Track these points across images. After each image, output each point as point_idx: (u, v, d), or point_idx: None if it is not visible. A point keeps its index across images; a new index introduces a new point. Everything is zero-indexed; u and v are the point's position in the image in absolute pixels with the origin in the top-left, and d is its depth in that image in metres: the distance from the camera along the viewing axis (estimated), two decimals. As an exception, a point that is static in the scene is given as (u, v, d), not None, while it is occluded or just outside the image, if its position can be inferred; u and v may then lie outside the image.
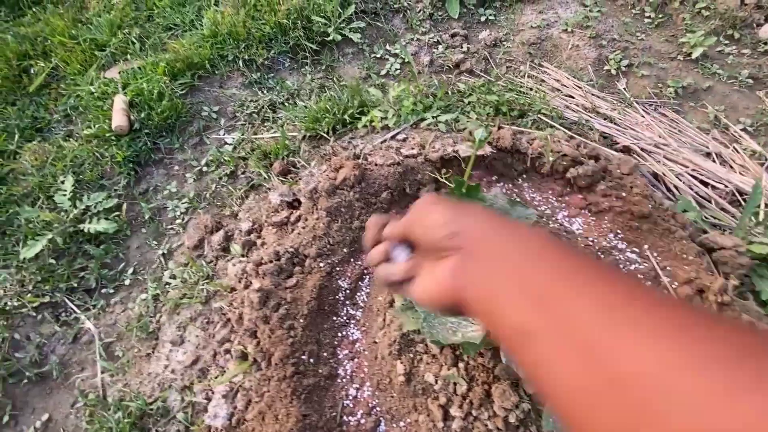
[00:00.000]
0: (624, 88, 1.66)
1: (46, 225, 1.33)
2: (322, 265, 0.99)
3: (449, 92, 1.58)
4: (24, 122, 1.61)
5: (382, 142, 1.20)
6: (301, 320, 0.91)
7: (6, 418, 1.12)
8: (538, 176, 1.13)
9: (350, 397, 0.88)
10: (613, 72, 1.72)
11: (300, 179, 1.18)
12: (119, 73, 1.70)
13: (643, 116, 1.52)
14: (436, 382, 0.80)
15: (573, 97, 1.61)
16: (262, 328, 0.89)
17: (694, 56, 1.72)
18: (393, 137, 1.25)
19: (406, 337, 0.86)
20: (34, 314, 1.23)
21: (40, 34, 1.82)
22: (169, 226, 1.42)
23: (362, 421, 0.84)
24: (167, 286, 1.27)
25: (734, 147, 1.45)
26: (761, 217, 1.15)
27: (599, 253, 0.95)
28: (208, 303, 1.19)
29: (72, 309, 1.26)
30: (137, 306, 1.26)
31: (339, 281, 1.01)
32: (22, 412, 1.14)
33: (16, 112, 1.64)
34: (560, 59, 1.79)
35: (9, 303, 1.22)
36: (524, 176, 1.14)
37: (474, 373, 0.79)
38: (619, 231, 1.00)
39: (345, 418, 0.85)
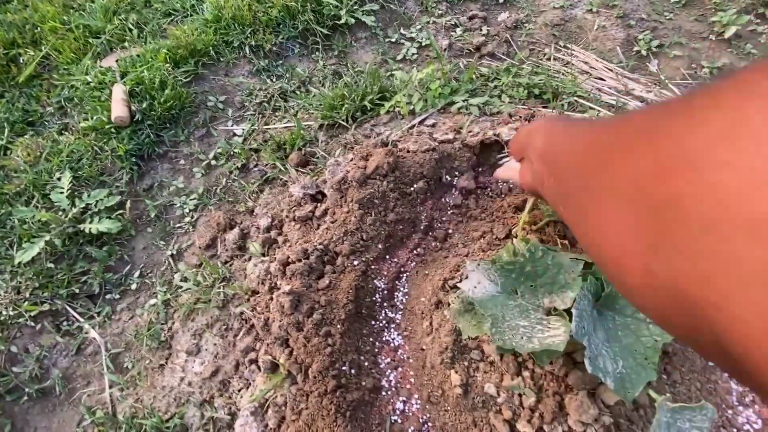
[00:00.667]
0: (657, 70, 1.57)
1: (43, 226, 1.22)
2: (356, 263, 0.89)
3: (474, 76, 1.48)
4: (14, 116, 1.49)
5: (410, 128, 1.10)
6: (339, 326, 0.81)
7: (5, 440, 1.01)
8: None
9: (398, 412, 0.78)
10: (644, 53, 1.62)
11: (323, 170, 1.07)
12: (116, 61, 1.58)
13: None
14: (498, 393, 0.70)
15: (604, 80, 1.51)
16: (295, 335, 0.78)
17: (726, 36, 1.63)
18: (421, 122, 1.15)
19: (458, 343, 0.76)
20: (33, 324, 1.12)
21: (28, 20, 1.68)
22: (178, 225, 1.31)
23: (413, 438, 0.75)
24: (178, 290, 1.17)
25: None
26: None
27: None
28: (226, 307, 1.08)
29: (74, 317, 1.15)
30: (146, 312, 1.15)
31: (375, 281, 0.91)
32: (23, 433, 1.03)
33: (5, 105, 1.51)
34: (586, 40, 1.69)
35: (4, 312, 1.11)
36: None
37: (542, 382, 0.69)
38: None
39: None
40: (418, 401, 0.78)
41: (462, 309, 0.69)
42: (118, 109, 1.38)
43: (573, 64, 1.59)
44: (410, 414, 0.77)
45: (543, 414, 0.68)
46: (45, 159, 1.36)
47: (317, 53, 1.68)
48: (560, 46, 1.68)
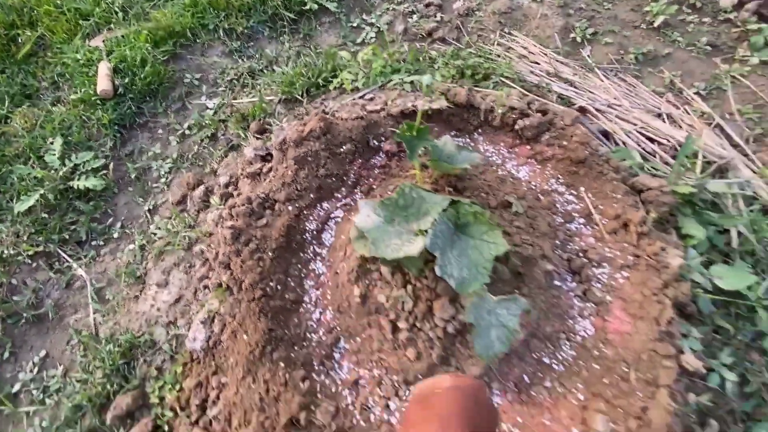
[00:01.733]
0: (588, 55, 1.74)
1: (38, 182, 1.42)
2: (290, 208, 1.09)
3: (421, 58, 1.66)
4: (14, 89, 1.68)
5: (352, 101, 1.28)
6: (270, 253, 1.01)
7: (6, 355, 1.23)
8: (491, 130, 1.23)
9: (314, 319, 0.99)
10: (579, 40, 1.79)
11: (272, 134, 1.26)
12: (103, 41, 1.76)
13: (602, 80, 1.61)
14: (387, 301, 0.91)
15: (539, 63, 1.69)
16: (234, 260, 0.99)
17: (656, 24, 1.80)
18: (361, 97, 1.34)
19: (363, 267, 0.96)
20: (30, 262, 1.33)
21: (26, 4, 1.86)
22: (154, 185, 1.52)
23: (323, 337, 0.95)
24: (153, 236, 1.37)
25: (685, 108, 1.54)
26: (698, 166, 1.25)
27: (540, 196, 1.06)
28: (190, 249, 1.29)
29: (65, 258, 1.36)
30: (125, 255, 1.36)
31: (306, 223, 1.11)
32: (21, 350, 1.25)
33: (6, 80, 1.70)
34: (529, 28, 1.86)
35: (6, 251, 1.32)
36: (479, 130, 1.23)
37: (420, 293, 0.89)
38: (560, 176, 1.10)
39: (308, 335, 0.96)
40: (331, 312, 0.99)
41: (358, 236, 0.89)
42: (103, 83, 1.57)
43: (513, 49, 1.76)
44: (324, 321, 0.98)
45: (417, 315, 0.88)
46: (40, 126, 1.56)
47: (285, 36, 1.86)
48: (505, 32, 1.84)
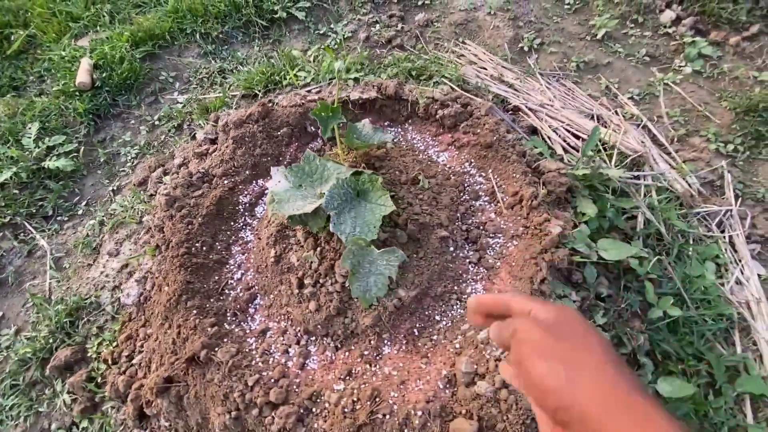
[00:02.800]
0: (533, 63, 1.87)
1: (13, 161, 1.55)
2: (226, 182, 1.20)
3: (375, 61, 1.80)
4: (2, 81, 1.84)
5: (294, 93, 1.41)
6: (200, 219, 1.12)
7: (-34, 315, 1.33)
8: (420, 120, 1.34)
9: (235, 279, 1.08)
10: (526, 49, 1.93)
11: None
12: (89, 42, 1.93)
13: (540, 85, 1.73)
14: (298, 261, 1.00)
15: (486, 69, 1.82)
16: (167, 224, 1.09)
17: (599, 36, 1.93)
18: (309, 91, 1.47)
19: (281, 233, 1.06)
20: (-4, 231, 1.45)
21: (22, 7, 2.05)
22: (121, 169, 1.64)
23: (240, 294, 1.05)
24: (113, 213, 1.49)
25: (616, 111, 1.65)
26: (613, 158, 1.35)
27: (452, 176, 1.16)
28: (141, 222, 1.40)
29: (30, 230, 1.47)
30: (86, 229, 1.47)
31: (240, 196, 1.22)
32: (-20, 311, 1.35)
33: (-3, 73, 1.87)
34: (482, 38, 2.00)
35: (-25, 220, 1.44)
36: (409, 121, 1.35)
37: (326, 254, 0.98)
38: (472, 160, 1.20)
39: (227, 291, 1.05)
40: (252, 273, 1.08)
41: (272, 199, 1.00)
42: (82, 76, 1.72)
43: (465, 56, 1.90)
44: (244, 280, 1.07)
45: (320, 272, 0.96)
46: (21, 113, 1.71)
47: (256, 41, 2.02)
48: (459, 41, 1.99)
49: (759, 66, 1.81)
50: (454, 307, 0.96)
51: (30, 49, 1.97)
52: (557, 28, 2.02)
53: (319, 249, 1.00)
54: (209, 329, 0.94)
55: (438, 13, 2.13)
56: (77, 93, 1.74)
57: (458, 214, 1.08)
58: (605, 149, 1.40)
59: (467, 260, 1.02)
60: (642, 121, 1.62)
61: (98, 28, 2.00)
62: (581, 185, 1.15)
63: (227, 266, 1.10)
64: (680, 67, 1.84)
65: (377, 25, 2.08)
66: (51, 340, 1.21)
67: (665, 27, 1.97)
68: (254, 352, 0.94)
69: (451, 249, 1.02)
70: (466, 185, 1.15)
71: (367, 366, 0.90)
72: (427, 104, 1.26)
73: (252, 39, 2.03)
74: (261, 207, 1.22)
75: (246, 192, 1.22)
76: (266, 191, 1.24)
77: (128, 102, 1.80)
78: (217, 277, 1.07)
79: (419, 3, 2.19)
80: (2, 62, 1.91)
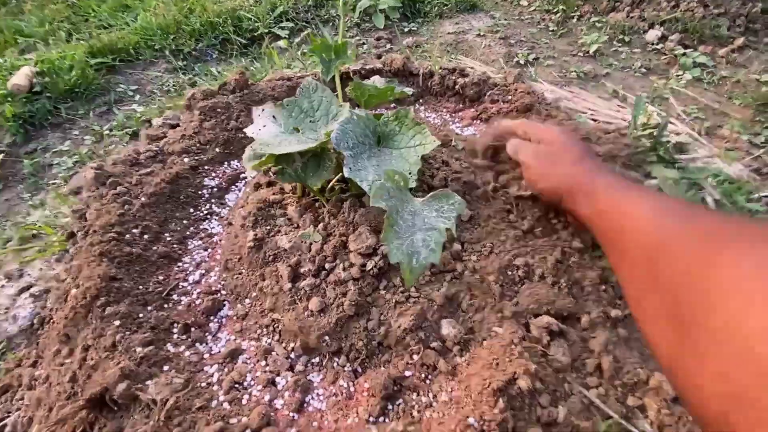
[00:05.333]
0: (533, 73, 1.78)
1: None
2: (186, 160, 0.88)
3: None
4: None
5: (280, 74, 1.18)
6: (143, 199, 0.77)
7: None
8: (432, 98, 1.13)
9: (190, 281, 0.71)
10: (522, 62, 1.85)
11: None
12: (36, 55, 1.68)
13: (547, 86, 1.61)
14: (290, 244, 0.66)
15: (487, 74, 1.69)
16: (92, 205, 0.74)
17: (591, 51, 1.90)
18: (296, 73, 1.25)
19: (264, 210, 0.73)
20: None
21: (-37, 23, 1.82)
22: (51, 181, 1.29)
23: (198, 301, 0.67)
24: (25, 227, 1.10)
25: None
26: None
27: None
28: (65, 235, 1.02)
29: None
30: (-18, 251, 1.06)
31: (206, 179, 0.89)
32: None
33: None
34: (475, 55, 1.93)
35: None
36: (420, 100, 1.13)
37: (333, 230, 0.66)
38: (507, 128, 0.98)
39: (177, 297, 0.67)
40: (217, 273, 0.72)
41: (252, 155, 0.69)
42: (18, 79, 1.43)
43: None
44: (204, 283, 0.70)
45: (326, 254, 0.63)
46: (-73, 119, 1.36)
47: (234, 58, 1.85)
48: (452, 57, 1.90)
49: (758, 71, 1.79)
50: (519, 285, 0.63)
51: (-38, 62, 1.69)
52: (548, 46, 1.99)
53: (321, 225, 0.68)
54: (139, 350, 0.55)
55: (426, 37, 2.08)
56: (9, 97, 1.43)
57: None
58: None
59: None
60: (663, 117, 1.49)
61: (50, 43, 1.77)
62: (646, 154, 0.93)
63: (179, 264, 0.74)
64: (678, 75, 1.80)
65: (364, 46, 1.99)
66: None
67: (652, 44, 1.98)
68: (216, 387, 0.55)
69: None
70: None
71: (414, 395, 0.53)
72: (443, 75, 1.06)
73: (229, 56, 1.86)
74: (234, 194, 0.90)
75: (214, 174, 0.91)
76: (242, 175, 0.92)
77: (73, 110, 1.50)
78: (162, 278, 0.70)
79: (406, 30, 2.15)
80: None
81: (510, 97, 1.03)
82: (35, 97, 1.46)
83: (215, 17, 1.90)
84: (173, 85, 1.67)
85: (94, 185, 0.77)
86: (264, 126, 0.69)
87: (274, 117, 0.69)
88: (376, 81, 0.88)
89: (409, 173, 0.61)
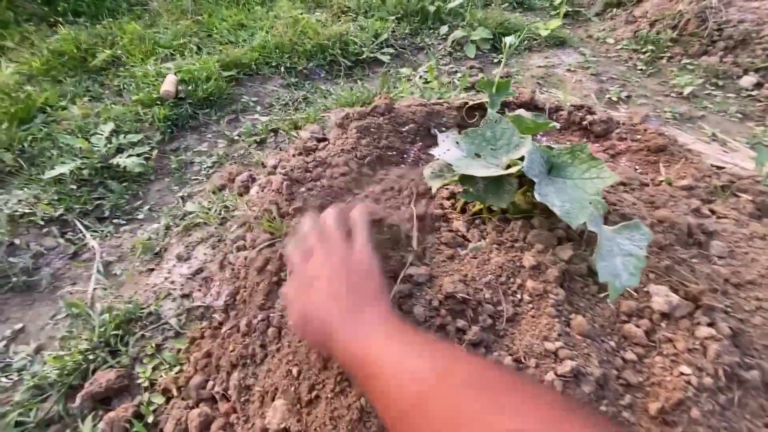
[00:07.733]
0: (626, 110, 1.83)
1: (76, 155, 1.37)
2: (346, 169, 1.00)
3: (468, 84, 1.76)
4: (79, 90, 1.76)
5: (414, 100, 1.30)
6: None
7: (-27, 324, 1.01)
8: (557, 132, 1.20)
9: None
10: (614, 99, 1.91)
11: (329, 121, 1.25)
12: (175, 65, 1.91)
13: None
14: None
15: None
16: (283, 205, 0.86)
17: (685, 93, 1.93)
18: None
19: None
20: (42, 224, 1.20)
21: (111, 33, 2.09)
22: (194, 177, 1.46)
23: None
24: (183, 216, 1.26)
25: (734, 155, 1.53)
26: None
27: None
28: (223, 224, 1.16)
29: (80, 229, 1.23)
30: (147, 233, 1.22)
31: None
32: (-6, 321, 1.03)
33: (74, 83, 1.80)
34: (565, 89, 2.00)
35: (20, 210, 1.20)
36: (542, 132, 1.21)
37: (504, 243, 0.74)
38: (636, 166, 1.03)
39: None
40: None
41: (433, 174, 0.79)
42: (167, 86, 1.64)
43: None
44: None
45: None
46: (95, 115, 1.58)
47: (340, 79, 2.01)
48: (544, 90, 1.98)
49: None
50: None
51: (111, 68, 1.94)
52: (640, 85, 2.03)
53: (488, 238, 0.76)
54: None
55: (516, 69, 2.18)
56: (158, 102, 1.64)
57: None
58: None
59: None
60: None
61: (185, 55, 2.00)
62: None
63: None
64: (777, 123, 1.80)
65: (458, 74, 2.11)
66: (90, 357, 0.88)
67: (747, 90, 1.98)
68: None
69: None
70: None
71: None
72: (570, 111, 1.14)
73: (335, 77, 2.03)
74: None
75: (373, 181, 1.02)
76: (390, 188, 1.03)
77: (208, 116, 1.70)
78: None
79: (495, 61, 2.26)
80: (81, 75, 1.86)
81: (639, 137, 1.09)
82: (180, 102, 1.66)
83: (324, 40, 2.08)
84: (289, 99, 1.84)
85: (282, 189, 0.90)
86: (448, 150, 0.79)
87: (457, 142, 0.79)
88: (522, 113, 0.97)
89: (589, 202, 0.69)
